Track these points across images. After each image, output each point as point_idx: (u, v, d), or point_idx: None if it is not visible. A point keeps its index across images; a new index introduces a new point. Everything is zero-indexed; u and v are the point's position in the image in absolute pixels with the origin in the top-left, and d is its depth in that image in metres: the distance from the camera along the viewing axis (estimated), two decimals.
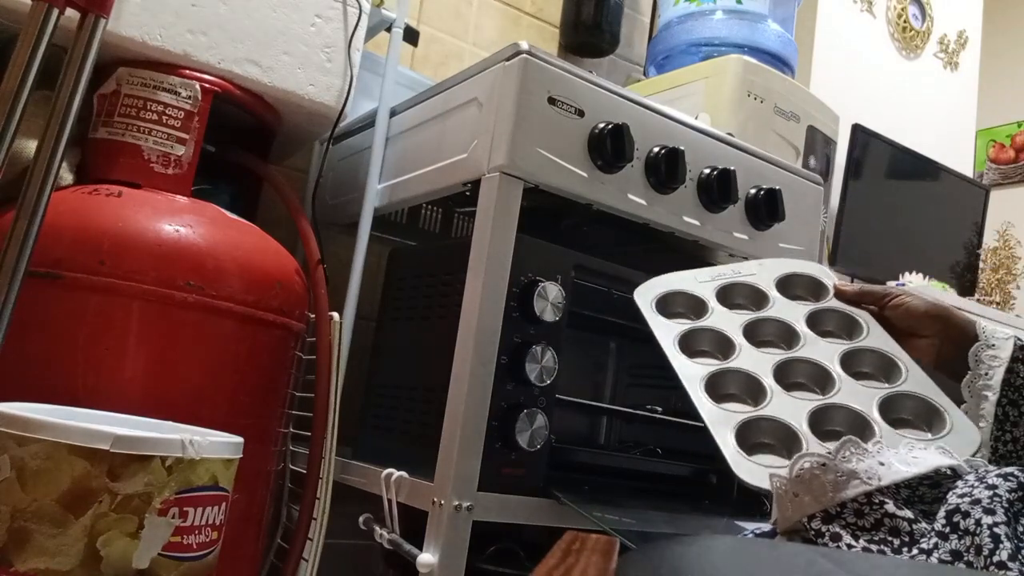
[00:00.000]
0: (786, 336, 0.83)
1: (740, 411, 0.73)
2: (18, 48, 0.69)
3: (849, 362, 0.78)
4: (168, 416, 0.79)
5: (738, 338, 0.82)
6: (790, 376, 0.78)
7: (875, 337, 0.80)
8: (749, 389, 0.76)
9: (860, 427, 0.70)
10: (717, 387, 0.77)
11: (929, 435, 0.70)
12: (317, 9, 1.04)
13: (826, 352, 0.79)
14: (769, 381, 0.76)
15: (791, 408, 0.73)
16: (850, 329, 0.83)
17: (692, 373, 0.78)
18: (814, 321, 0.84)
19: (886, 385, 0.75)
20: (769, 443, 0.71)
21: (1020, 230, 3.53)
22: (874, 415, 0.71)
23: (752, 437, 0.71)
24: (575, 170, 0.94)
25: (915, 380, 0.75)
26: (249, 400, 0.91)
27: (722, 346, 0.82)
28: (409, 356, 1.06)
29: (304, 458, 1.00)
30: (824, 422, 0.72)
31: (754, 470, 0.66)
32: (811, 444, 0.68)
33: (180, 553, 0.64)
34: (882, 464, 0.57)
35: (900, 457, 0.59)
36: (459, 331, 0.90)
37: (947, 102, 2.55)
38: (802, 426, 0.70)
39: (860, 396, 0.73)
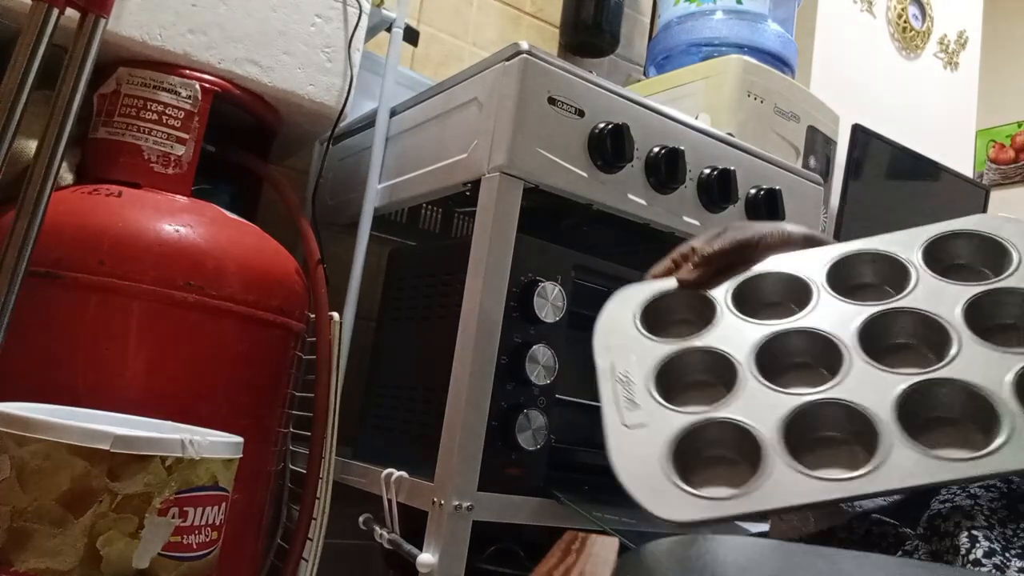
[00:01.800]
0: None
1: None
2: (18, 48, 0.69)
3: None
4: (168, 416, 0.79)
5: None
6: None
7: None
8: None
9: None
10: None
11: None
12: (317, 9, 1.04)
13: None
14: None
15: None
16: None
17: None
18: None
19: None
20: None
21: None
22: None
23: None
24: (575, 170, 0.94)
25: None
26: (249, 400, 0.91)
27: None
28: (409, 356, 1.06)
29: (304, 458, 1.00)
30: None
31: None
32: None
33: (180, 553, 0.64)
34: None
35: None
36: (459, 331, 0.90)
37: (947, 102, 2.55)
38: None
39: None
